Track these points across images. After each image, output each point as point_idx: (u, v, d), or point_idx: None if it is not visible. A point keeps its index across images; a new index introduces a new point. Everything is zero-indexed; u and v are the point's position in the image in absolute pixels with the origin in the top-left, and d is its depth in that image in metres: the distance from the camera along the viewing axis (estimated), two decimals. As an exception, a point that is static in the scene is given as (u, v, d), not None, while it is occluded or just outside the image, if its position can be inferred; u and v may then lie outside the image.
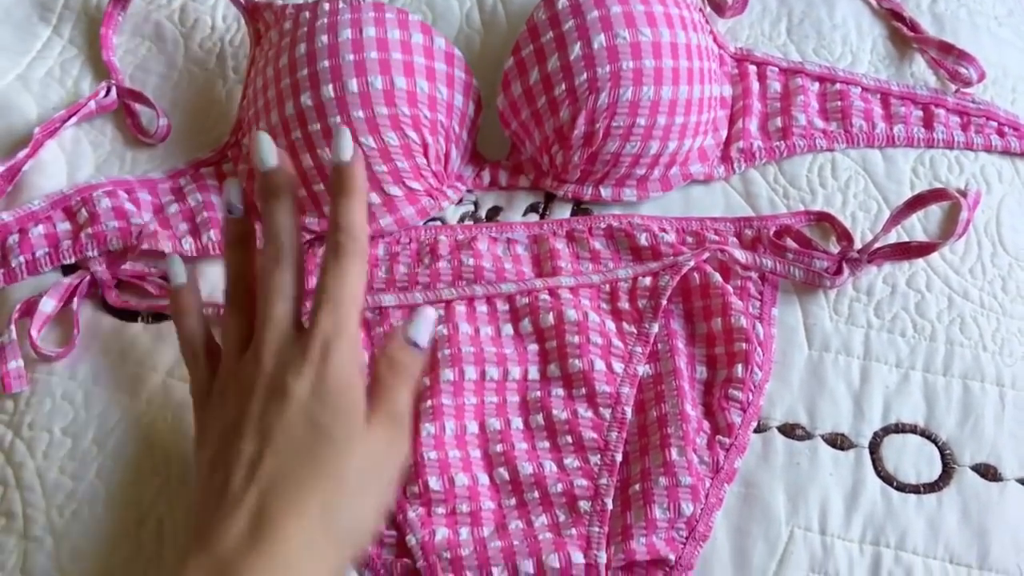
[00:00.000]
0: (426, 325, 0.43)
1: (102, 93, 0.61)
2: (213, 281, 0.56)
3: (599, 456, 0.50)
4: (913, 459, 0.51)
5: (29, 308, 0.53)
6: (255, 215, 0.45)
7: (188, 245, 0.56)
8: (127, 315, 0.55)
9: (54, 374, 0.52)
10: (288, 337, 0.42)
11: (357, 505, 0.40)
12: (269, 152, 0.43)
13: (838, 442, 0.51)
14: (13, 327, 0.52)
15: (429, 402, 0.50)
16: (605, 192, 0.58)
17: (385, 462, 0.41)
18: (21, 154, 0.57)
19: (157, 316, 0.55)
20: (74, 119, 0.60)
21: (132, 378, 0.52)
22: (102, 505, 0.48)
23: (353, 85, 0.53)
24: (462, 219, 0.59)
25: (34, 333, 0.52)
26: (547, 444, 0.50)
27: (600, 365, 0.52)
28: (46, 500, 0.49)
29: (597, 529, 0.47)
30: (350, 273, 0.42)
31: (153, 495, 0.49)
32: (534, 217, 0.59)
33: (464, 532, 0.47)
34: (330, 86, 0.53)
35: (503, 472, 0.49)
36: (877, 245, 0.55)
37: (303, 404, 0.40)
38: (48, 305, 0.53)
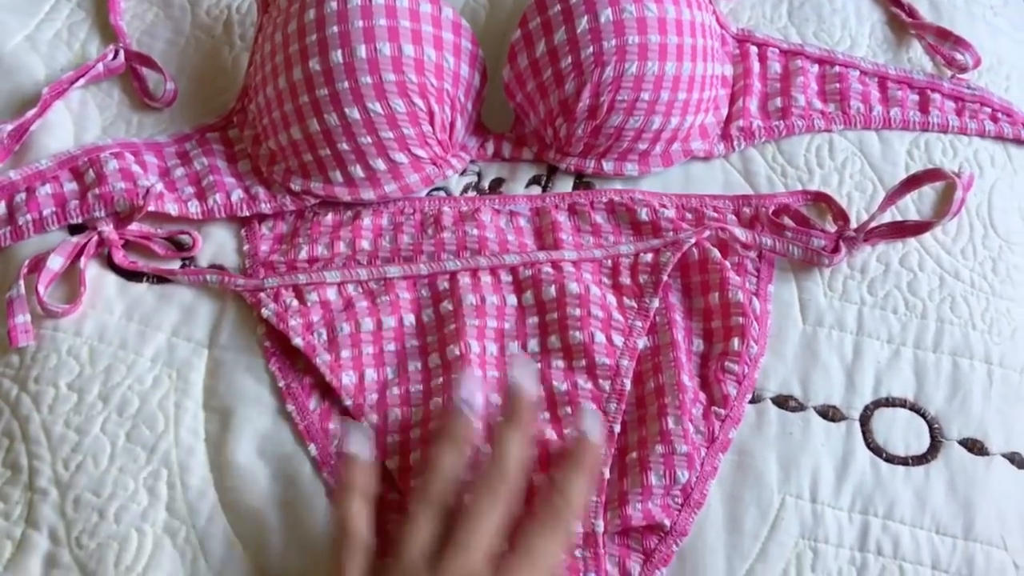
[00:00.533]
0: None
1: (110, 56, 0.62)
2: (219, 242, 0.57)
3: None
4: (902, 432, 0.52)
5: (36, 265, 0.53)
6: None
7: (194, 208, 0.57)
8: (132, 275, 0.55)
9: (60, 330, 0.53)
10: (480, 571, 0.41)
11: None
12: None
13: (830, 414, 0.52)
14: (21, 282, 0.52)
15: (440, 379, 0.51)
16: (607, 166, 0.59)
17: None
18: (29, 113, 0.58)
19: (161, 277, 0.55)
20: (82, 81, 0.60)
21: (137, 336, 0.53)
22: (107, 458, 0.49)
23: (362, 51, 0.53)
24: (465, 190, 0.60)
25: (41, 289, 0.52)
26: (547, 415, 0.51)
27: (600, 338, 0.52)
28: (51, 453, 0.49)
29: (595, 499, 0.48)
30: (557, 542, 0.43)
31: (157, 447, 0.50)
32: (536, 189, 0.60)
33: None
34: (339, 51, 0.53)
35: None
36: (873, 224, 0.56)
37: None
38: (56, 262, 0.53)
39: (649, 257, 0.55)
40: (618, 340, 0.53)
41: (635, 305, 0.54)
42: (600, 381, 0.52)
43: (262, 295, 0.54)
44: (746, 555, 0.48)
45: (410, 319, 0.54)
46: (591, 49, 0.55)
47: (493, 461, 0.44)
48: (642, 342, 0.53)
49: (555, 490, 0.43)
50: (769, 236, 0.56)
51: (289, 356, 0.53)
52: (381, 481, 0.48)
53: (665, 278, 0.54)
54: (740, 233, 0.55)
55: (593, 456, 0.45)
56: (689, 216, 0.58)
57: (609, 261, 0.56)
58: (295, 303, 0.54)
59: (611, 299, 0.54)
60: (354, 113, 0.54)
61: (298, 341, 0.52)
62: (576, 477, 0.44)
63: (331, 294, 0.54)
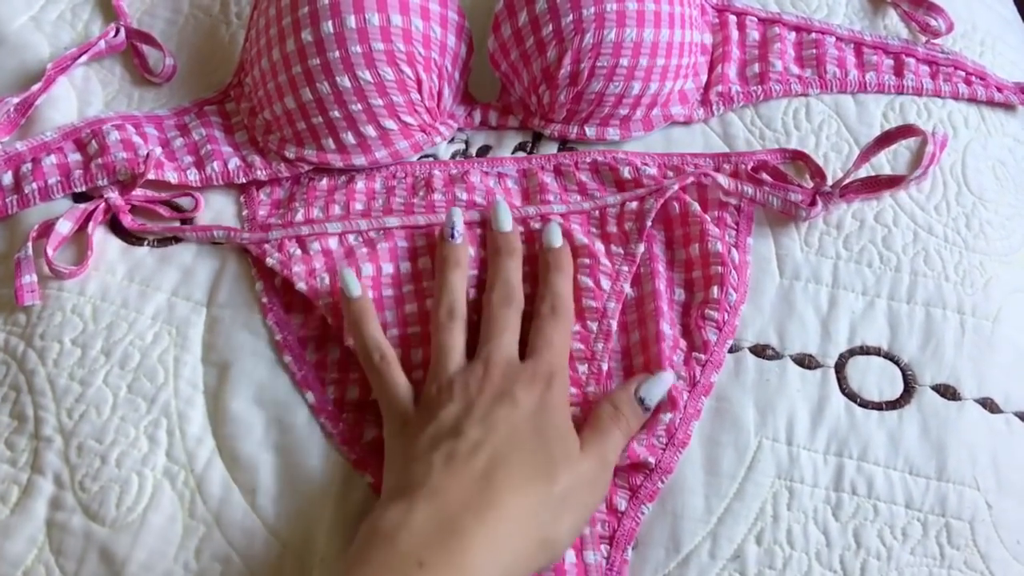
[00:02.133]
0: (660, 387, 0.50)
1: (111, 34, 0.64)
2: (217, 208, 0.59)
3: (587, 366, 0.52)
4: (876, 379, 0.54)
5: (45, 230, 0.56)
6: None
7: (193, 176, 0.59)
8: (134, 239, 0.58)
9: (64, 290, 0.55)
10: (515, 359, 0.49)
11: (560, 517, 0.44)
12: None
13: (806, 362, 0.54)
14: (30, 244, 0.55)
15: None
16: (590, 131, 0.61)
17: (589, 494, 0.46)
18: (34, 88, 0.60)
19: (162, 240, 0.58)
20: (85, 57, 0.63)
21: (138, 296, 0.55)
22: (109, 408, 0.51)
23: (351, 21, 0.56)
24: (453, 156, 0.62)
25: (50, 251, 0.55)
26: None
27: (587, 282, 0.54)
28: (56, 403, 0.51)
29: None
30: (565, 329, 0.51)
31: (157, 397, 0.52)
32: (522, 155, 0.62)
33: None
34: (330, 22, 0.56)
35: None
36: (848, 180, 0.58)
37: (529, 413, 0.46)
38: (65, 227, 0.56)
39: (634, 205, 0.57)
40: (605, 284, 0.55)
41: (622, 251, 0.56)
42: (588, 322, 0.53)
43: (267, 246, 0.56)
44: (724, 494, 0.50)
45: (406, 266, 0.56)
46: (571, 17, 0.57)
47: (496, 281, 0.52)
48: (627, 288, 0.55)
49: (548, 292, 0.52)
50: (750, 185, 0.57)
51: (286, 310, 0.55)
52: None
53: (650, 224, 0.56)
54: (723, 180, 0.57)
55: (566, 256, 0.54)
56: (671, 174, 0.60)
57: (596, 212, 0.58)
58: (298, 252, 0.56)
59: (599, 246, 0.56)
60: (345, 81, 0.56)
61: (301, 286, 0.54)
62: (558, 276, 0.53)
63: (332, 243, 0.56)
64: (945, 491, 0.51)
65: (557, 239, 0.54)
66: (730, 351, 0.54)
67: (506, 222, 0.55)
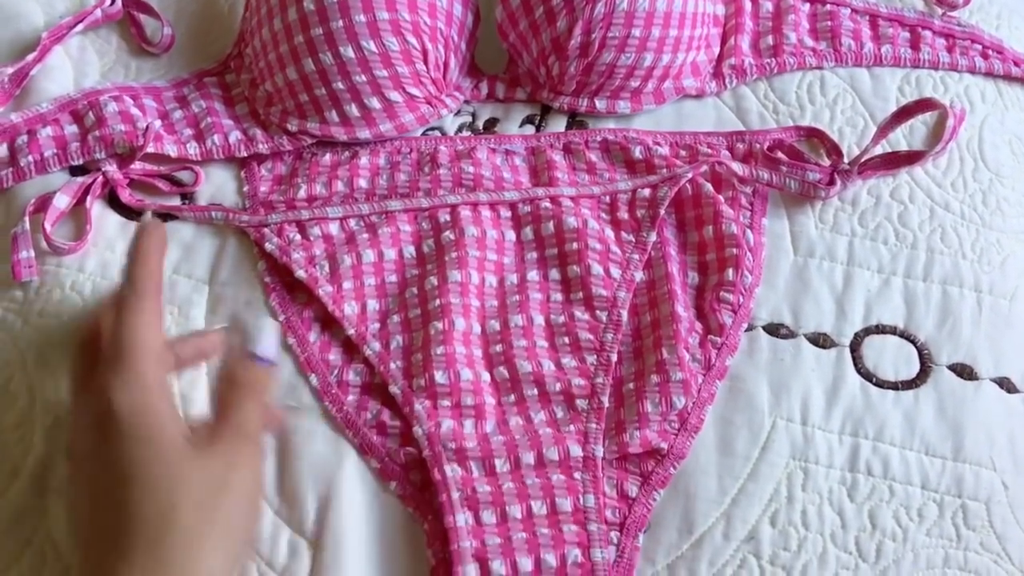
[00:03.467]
0: (268, 337, 0.44)
1: (108, 2, 0.62)
2: (217, 183, 0.58)
3: (595, 356, 0.51)
4: (892, 358, 0.53)
5: (43, 204, 0.54)
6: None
7: (193, 149, 0.57)
8: (133, 214, 0.56)
9: (63, 267, 0.54)
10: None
11: (194, 548, 0.37)
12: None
13: (820, 341, 0.53)
14: (26, 219, 0.53)
15: (438, 301, 0.52)
16: (600, 104, 0.59)
17: (231, 486, 0.39)
18: (29, 58, 0.59)
19: (161, 216, 0.56)
20: (80, 26, 0.61)
21: (138, 273, 0.54)
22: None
23: (356, -11, 0.54)
24: (460, 129, 0.60)
25: (47, 226, 0.53)
26: (545, 344, 0.52)
27: (598, 269, 0.53)
28: (53, 381, 0.50)
29: (595, 425, 0.49)
30: (131, 322, 0.40)
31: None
32: (530, 128, 0.60)
33: (468, 425, 0.49)
34: (333, -10, 0.54)
35: (503, 371, 0.51)
36: (866, 157, 0.56)
37: (88, 449, 0.39)
38: (62, 201, 0.54)
39: (647, 192, 0.56)
40: (615, 272, 0.54)
41: (633, 239, 0.55)
42: (597, 312, 0.52)
43: (265, 230, 0.55)
44: (737, 475, 0.49)
45: (410, 250, 0.55)
46: (582, -15, 0.55)
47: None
48: (639, 275, 0.54)
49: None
50: (765, 170, 0.56)
51: (289, 291, 0.54)
52: (386, 408, 0.50)
53: (662, 212, 0.55)
54: (737, 167, 0.56)
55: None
56: (683, 153, 0.59)
57: (607, 197, 0.57)
58: (298, 237, 0.54)
59: (609, 233, 0.55)
60: (348, 52, 0.55)
61: (300, 273, 0.53)
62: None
63: (333, 228, 0.55)
64: (961, 472, 0.50)
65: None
66: (744, 330, 0.53)
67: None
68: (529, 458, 0.48)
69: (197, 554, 0.37)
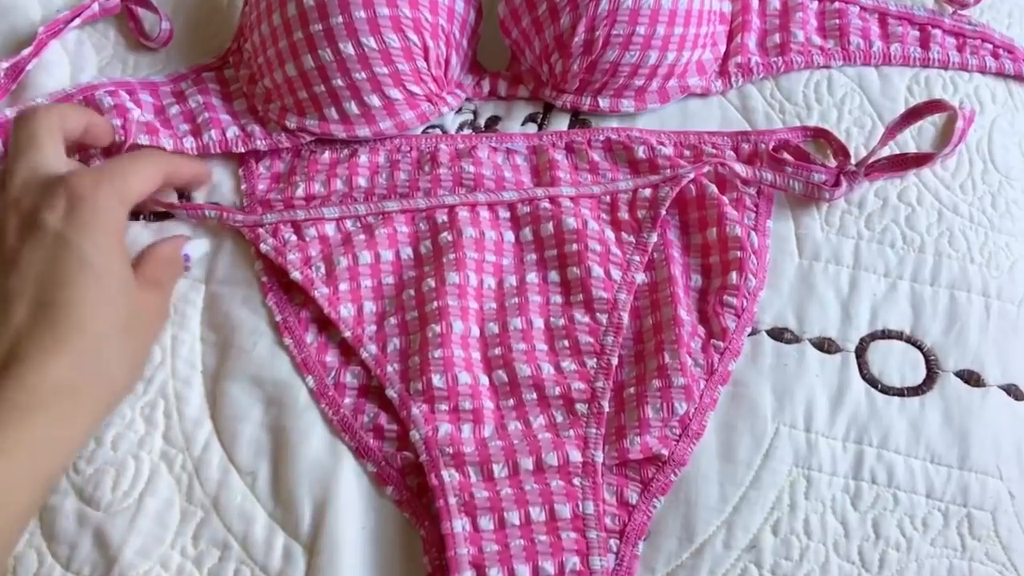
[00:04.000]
0: (201, 247, 0.53)
1: (105, -4, 0.61)
2: (215, 181, 0.57)
3: (595, 360, 0.50)
4: (898, 364, 0.52)
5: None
6: None
7: (189, 144, 0.57)
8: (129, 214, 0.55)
9: (57, 265, 0.53)
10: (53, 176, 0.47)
11: (115, 345, 0.44)
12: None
13: (825, 346, 0.52)
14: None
15: (435, 303, 0.51)
16: (603, 102, 0.59)
17: (147, 317, 0.48)
18: (25, 52, 0.58)
19: (158, 215, 0.56)
20: (78, 20, 0.60)
21: (134, 271, 0.53)
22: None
23: (356, -15, 0.53)
24: (461, 127, 0.59)
25: (37, 223, 0.53)
26: (545, 347, 0.51)
27: (598, 272, 0.52)
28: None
29: (594, 430, 0.48)
30: (146, 162, 0.51)
31: (154, 378, 0.50)
32: (532, 127, 0.59)
33: (466, 429, 0.48)
34: (333, -14, 0.53)
35: (501, 374, 0.50)
36: (873, 159, 0.56)
37: (56, 232, 0.44)
38: (53, 197, 0.54)
39: (647, 192, 0.55)
40: (616, 274, 0.53)
41: (633, 240, 0.54)
42: (597, 314, 0.52)
43: (261, 231, 0.54)
44: (739, 482, 0.48)
45: (407, 252, 0.54)
46: (586, -18, 0.54)
47: None
48: (640, 277, 0.53)
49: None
50: (769, 171, 0.55)
51: (286, 291, 0.53)
52: (383, 412, 0.49)
53: (664, 212, 0.54)
54: (740, 168, 0.55)
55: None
56: (687, 153, 0.58)
57: (607, 197, 0.56)
58: (293, 238, 0.54)
59: (609, 234, 0.54)
60: (348, 48, 0.54)
61: (296, 275, 0.52)
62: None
63: (329, 229, 0.54)
64: (967, 480, 0.49)
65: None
66: (747, 334, 0.52)
67: None
68: (528, 463, 0.47)
69: (106, 355, 0.44)
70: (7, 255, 0.44)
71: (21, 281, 0.43)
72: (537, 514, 0.46)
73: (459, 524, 0.45)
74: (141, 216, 0.55)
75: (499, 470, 0.47)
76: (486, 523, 0.46)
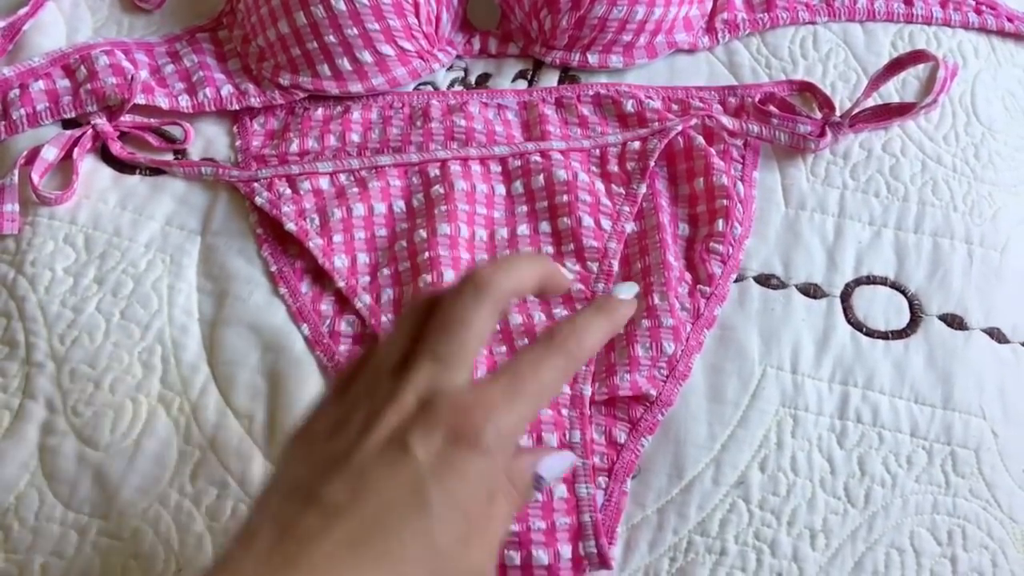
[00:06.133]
0: (561, 464, 0.36)
1: (100, -42, 0.62)
2: (209, 137, 0.58)
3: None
4: (882, 308, 0.53)
5: (33, 157, 0.54)
6: None
7: (184, 102, 0.57)
8: (125, 167, 0.56)
9: (55, 218, 0.54)
10: (449, 380, 0.33)
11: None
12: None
13: (811, 291, 0.53)
14: (16, 171, 0.53)
15: (426, 254, 0.52)
16: (592, 58, 0.59)
17: None
18: (21, 12, 0.59)
19: (154, 169, 0.56)
20: (73, -19, 0.61)
21: (131, 224, 0.54)
22: (102, 334, 0.50)
23: (347, -60, 0.54)
24: (452, 84, 0.60)
25: (35, 177, 0.53)
26: (535, 297, 0.52)
27: (588, 221, 0.53)
28: (48, 329, 0.50)
29: (584, 367, 0.49)
30: (551, 365, 0.34)
31: (151, 324, 0.51)
32: (523, 84, 0.60)
33: None
34: (324, -58, 0.54)
35: None
36: (857, 110, 0.56)
37: (420, 471, 0.31)
38: (50, 153, 0.54)
39: (636, 145, 0.56)
40: (606, 224, 0.54)
41: (623, 191, 0.55)
42: (588, 263, 0.52)
43: (256, 185, 0.55)
44: (727, 422, 0.49)
45: (400, 205, 0.55)
46: (574, -63, 0.55)
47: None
48: (630, 226, 0.54)
49: (566, 320, 0.36)
50: (756, 123, 0.56)
51: (281, 243, 0.54)
52: None
53: (652, 164, 0.55)
54: (727, 121, 0.56)
55: (617, 307, 0.38)
56: (675, 107, 0.59)
57: (597, 151, 0.57)
58: (288, 192, 0.54)
59: (599, 185, 0.55)
60: (340, 5, 0.54)
61: (291, 226, 0.53)
62: (593, 315, 0.37)
63: (324, 183, 0.55)
64: (951, 420, 0.50)
65: (628, 291, 0.41)
66: (735, 280, 0.53)
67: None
68: None
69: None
70: (341, 447, 0.32)
71: (348, 495, 0.31)
72: (524, 442, 0.47)
73: None
74: (137, 171, 0.56)
75: None
76: None
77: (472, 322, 0.34)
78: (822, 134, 0.56)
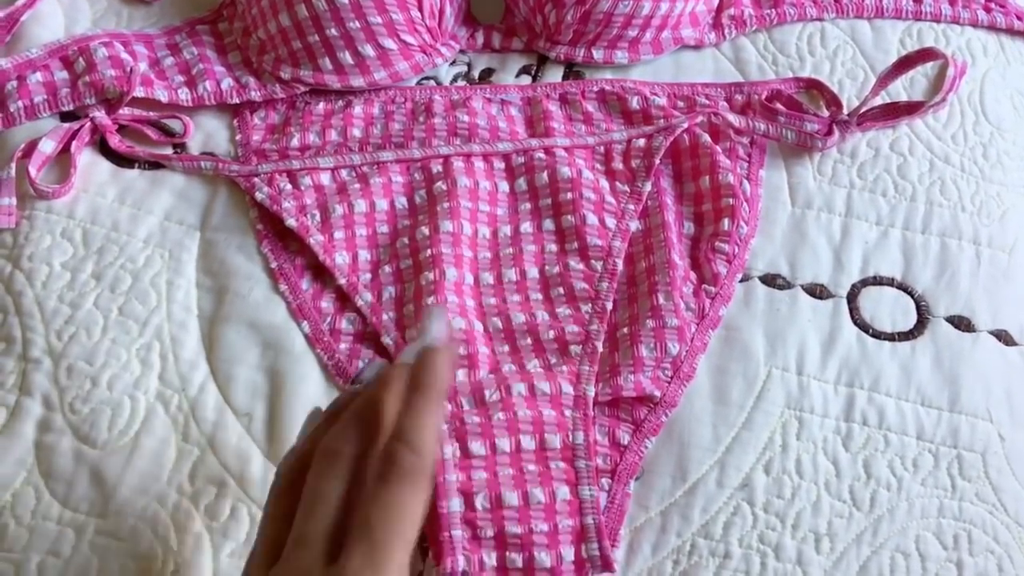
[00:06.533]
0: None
1: (99, -52, 0.61)
2: (209, 131, 0.57)
3: (590, 305, 0.51)
4: (889, 309, 0.52)
5: (30, 150, 0.54)
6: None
7: (184, 95, 0.57)
8: (124, 161, 0.56)
9: (53, 213, 0.53)
10: (316, 568, 0.32)
11: None
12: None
13: (817, 292, 0.53)
14: (13, 165, 0.53)
15: (429, 251, 0.51)
16: (597, 54, 0.59)
17: None
18: (19, 3, 0.58)
19: (153, 163, 0.56)
20: (71, -28, 0.60)
21: (129, 219, 0.53)
22: (100, 330, 0.50)
23: (350, -68, 0.53)
24: (455, 79, 0.60)
25: (32, 171, 0.53)
26: (539, 296, 0.51)
27: (592, 219, 0.53)
28: (45, 325, 0.50)
29: (587, 368, 0.49)
30: (401, 503, 0.33)
31: (149, 321, 0.50)
32: (526, 79, 0.60)
33: (461, 375, 0.48)
34: (327, -66, 0.53)
35: (496, 322, 0.50)
36: (865, 108, 0.56)
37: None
38: (47, 146, 0.54)
39: (641, 142, 0.55)
40: (610, 222, 0.53)
41: (628, 189, 0.54)
42: (592, 262, 0.52)
43: (256, 180, 0.54)
44: (732, 423, 0.49)
45: (402, 201, 0.54)
46: (580, -69, 0.55)
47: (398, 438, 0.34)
48: (634, 224, 0.53)
49: (394, 431, 0.34)
50: (762, 121, 0.56)
51: (281, 239, 0.53)
52: (378, 357, 0.49)
53: (657, 162, 0.54)
54: (733, 118, 0.55)
55: (439, 369, 0.36)
56: (680, 104, 0.58)
57: (602, 148, 0.56)
58: (289, 187, 0.54)
59: (604, 183, 0.54)
60: (342, -3, 0.54)
61: (291, 222, 0.52)
62: (419, 401, 0.34)
63: (325, 178, 0.54)
64: (957, 423, 0.50)
65: (439, 330, 0.37)
66: (740, 280, 0.53)
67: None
68: (521, 388, 0.47)
69: None
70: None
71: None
72: (528, 442, 0.46)
73: (448, 450, 0.46)
74: (136, 165, 0.56)
75: (491, 395, 0.47)
76: (477, 448, 0.46)
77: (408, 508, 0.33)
78: (829, 132, 0.55)
